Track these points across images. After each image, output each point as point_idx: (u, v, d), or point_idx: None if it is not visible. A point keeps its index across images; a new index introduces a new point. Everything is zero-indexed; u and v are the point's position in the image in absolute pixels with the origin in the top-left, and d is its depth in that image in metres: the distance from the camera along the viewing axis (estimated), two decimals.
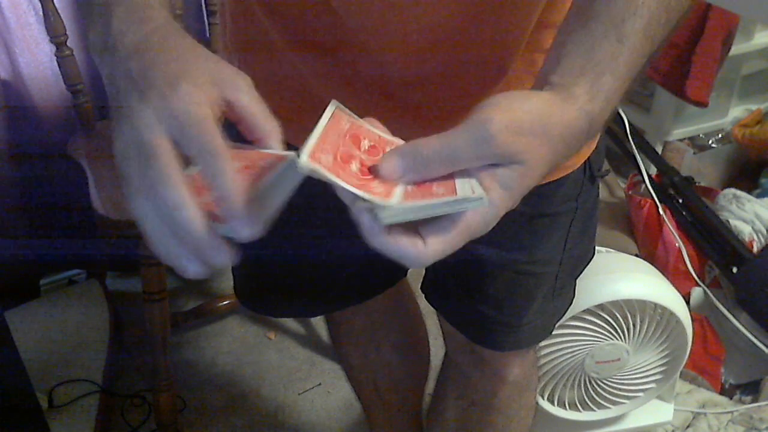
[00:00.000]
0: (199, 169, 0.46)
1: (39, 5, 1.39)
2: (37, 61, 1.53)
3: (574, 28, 0.54)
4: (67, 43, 1.42)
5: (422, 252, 0.47)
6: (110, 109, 0.51)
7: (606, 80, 0.51)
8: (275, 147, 0.49)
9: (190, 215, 0.45)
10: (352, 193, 0.47)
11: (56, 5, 1.39)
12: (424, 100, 0.72)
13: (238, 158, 0.49)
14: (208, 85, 0.48)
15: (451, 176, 0.49)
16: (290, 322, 1.82)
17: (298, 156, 0.46)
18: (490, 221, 0.49)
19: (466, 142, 0.48)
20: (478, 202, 0.47)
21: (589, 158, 0.81)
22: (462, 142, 0.48)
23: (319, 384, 1.67)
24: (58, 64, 1.43)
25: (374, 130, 0.53)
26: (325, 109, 0.51)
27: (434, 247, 0.48)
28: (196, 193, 0.46)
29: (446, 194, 0.47)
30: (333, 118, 0.51)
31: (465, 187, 0.48)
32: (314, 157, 0.47)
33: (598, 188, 0.87)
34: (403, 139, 0.58)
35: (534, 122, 0.48)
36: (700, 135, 2.09)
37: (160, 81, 0.47)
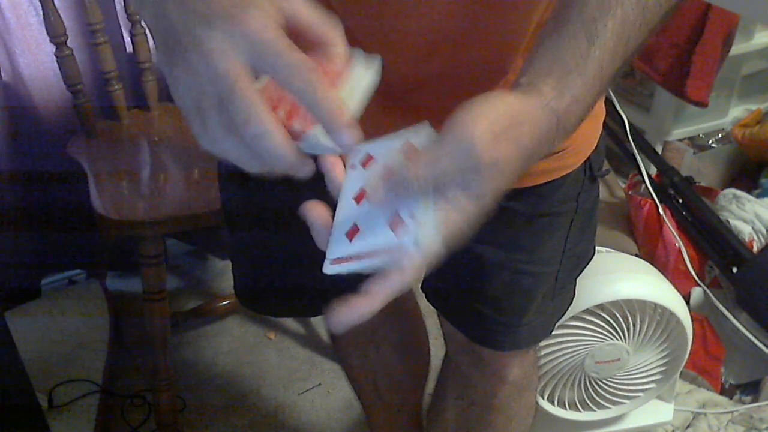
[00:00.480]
0: (266, 80, 0.46)
1: (39, 5, 1.39)
2: (37, 62, 1.53)
3: (547, 31, 0.54)
4: (67, 43, 1.43)
5: (401, 280, 0.49)
6: (163, 49, 0.48)
7: (573, 78, 0.51)
8: (340, 46, 0.49)
9: (278, 145, 0.45)
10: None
11: (56, 5, 1.39)
12: (424, 100, 0.72)
13: (280, 104, 0.49)
14: (269, 3, 0.47)
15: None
16: (290, 322, 1.82)
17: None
18: (464, 230, 0.49)
19: (450, 156, 0.47)
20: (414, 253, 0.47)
21: (589, 158, 0.81)
22: (446, 156, 0.47)
23: (319, 384, 1.67)
24: (58, 64, 1.44)
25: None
26: None
27: (410, 270, 0.48)
28: (273, 110, 0.46)
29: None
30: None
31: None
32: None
33: (599, 188, 0.87)
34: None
35: (506, 126, 0.48)
36: (700, 135, 2.09)
37: (224, 5, 0.45)
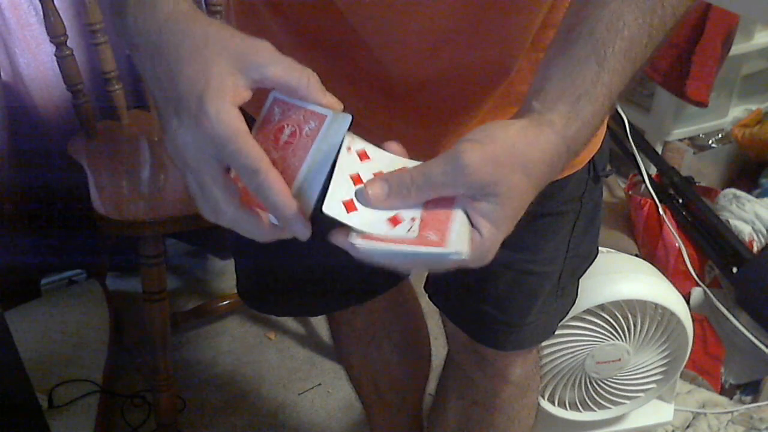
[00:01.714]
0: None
1: (39, 5, 1.39)
2: (37, 62, 1.53)
3: (556, 52, 0.55)
4: (67, 43, 1.42)
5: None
6: (155, 105, 0.54)
7: (583, 105, 0.52)
8: (316, 99, 0.52)
9: (251, 228, 0.52)
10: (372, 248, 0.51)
11: (56, 5, 1.39)
12: (428, 100, 0.72)
13: (288, 122, 0.52)
14: (231, 77, 0.50)
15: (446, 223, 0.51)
16: (290, 322, 1.81)
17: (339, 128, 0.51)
18: (485, 255, 0.53)
19: (441, 171, 0.50)
20: (456, 255, 0.50)
21: (593, 158, 0.81)
22: (437, 170, 0.50)
23: (319, 384, 1.67)
24: (58, 64, 1.43)
25: (378, 148, 0.55)
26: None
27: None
28: (243, 190, 0.51)
29: (422, 243, 0.50)
30: (342, 154, 0.52)
31: (454, 237, 0.50)
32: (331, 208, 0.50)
33: (602, 188, 0.87)
34: (404, 139, 0.58)
35: (509, 153, 0.50)
36: (700, 135, 2.09)
37: (186, 97, 0.49)
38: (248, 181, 0.50)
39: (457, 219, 0.51)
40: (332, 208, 0.50)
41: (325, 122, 0.51)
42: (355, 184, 0.52)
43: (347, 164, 0.52)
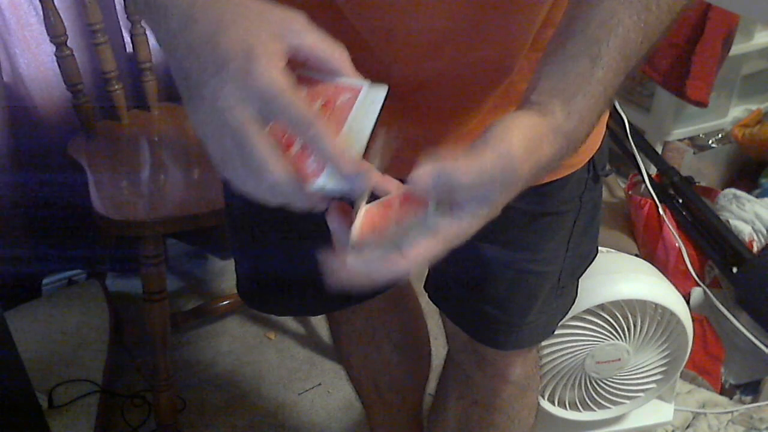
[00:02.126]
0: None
1: (39, 5, 1.39)
2: (37, 62, 1.53)
3: (552, 49, 0.55)
4: (67, 43, 1.42)
5: (403, 265, 0.49)
6: (181, 87, 0.52)
7: (578, 101, 0.53)
8: (348, 73, 0.52)
9: (292, 191, 0.49)
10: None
11: (56, 5, 1.39)
12: (428, 99, 0.72)
13: (316, 96, 0.52)
14: (273, 43, 0.49)
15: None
16: (290, 322, 1.82)
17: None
18: (468, 234, 0.51)
19: (496, 166, 0.49)
20: None
21: (593, 157, 0.81)
22: (491, 165, 0.49)
23: (319, 384, 1.67)
24: (58, 64, 1.43)
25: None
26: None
27: (413, 258, 0.50)
28: (284, 153, 0.49)
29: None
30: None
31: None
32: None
33: (602, 188, 0.87)
34: (404, 138, 0.58)
35: (537, 144, 0.51)
36: (700, 135, 2.09)
37: (231, 55, 0.49)
38: (303, 133, 0.49)
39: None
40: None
41: (361, 92, 0.51)
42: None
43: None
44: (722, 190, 1.82)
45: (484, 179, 0.48)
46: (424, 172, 0.49)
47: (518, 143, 0.49)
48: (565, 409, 1.37)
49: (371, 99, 0.51)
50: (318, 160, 0.50)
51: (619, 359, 1.29)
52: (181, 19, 0.51)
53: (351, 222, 0.52)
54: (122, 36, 1.60)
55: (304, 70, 0.53)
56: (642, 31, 0.54)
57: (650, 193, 1.82)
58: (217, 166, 0.51)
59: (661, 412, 1.48)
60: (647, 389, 1.37)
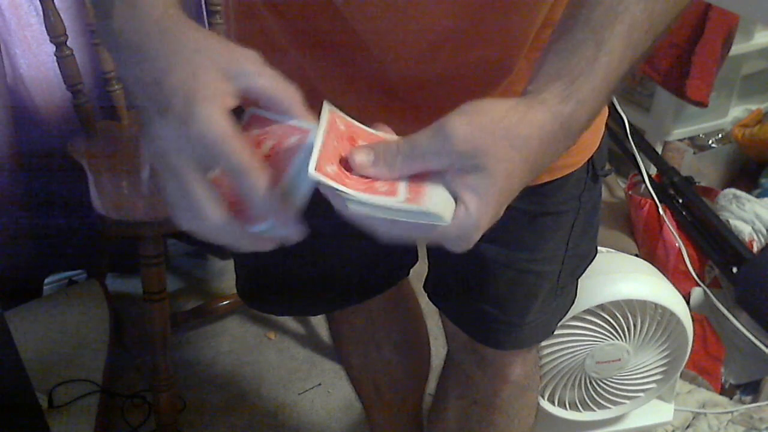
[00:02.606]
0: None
1: (40, 6, 1.39)
2: (38, 62, 1.53)
3: (556, 37, 0.54)
4: (67, 43, 1.42)
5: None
6: (137, 108, 0.53)
7: (580, 83, 0.51)
8: (298, 114, 0.52)
9: (234, 234, 0.50)
10: (357, 198, 0.49)
11: (56, 5, 1.39)
12: (427, 100, 0.72)
13: (267, 136, 0.52)
14: (220, 83, 0.49)
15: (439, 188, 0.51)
16: (290, 322, 1.81)
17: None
18: (471, 232, 0.51)
19: (427, 139, 0.50)
20: (438, 219, 0.49)
21: (592, 157, 0.81)
22: (423, 139, 0.50)
23: (319, 384, 1.67)
24: (59, 64, 1.43)
25: (367, 129, 0.54)
26: (319, 114, 0.52)
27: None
28: (223, 197, 0.50)
29: (413, 201, 0.49)
30: (330, 122, 0.52)
31: (436, 200, 0.50)
32: (320, 169, 0.48)
33: (601, 188, 0.87)
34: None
35: (497, 125, 0.49)
36: (700, 135, 2.10)
37: (173, 99, 0.49)
38: (239, 182, 0.49)
39: (436, 188, 0.50)
40: (320, 175, 0.50)
41: (309, 134, 0.51)
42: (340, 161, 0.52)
43: (333, 137, 0.52)
44: (722, 190, 1.82)
45: (416, 153, 0.50)
46: (363, 146, 0.51)
47: (458, 119, 0.49)
48: (565, 409, 1.37)
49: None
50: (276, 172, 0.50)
51: (619, 359, 1.29)
52: (132, 50, 0.52)
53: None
54: None
55: (257, 109, 0.53)
56: (648, 20, 0.53)
57: (650, 193, 1.82)
58: (166, 202, 0.52)
59: (661, 412, 1.48)
60: (647, 389, 1.37)
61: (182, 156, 0.49)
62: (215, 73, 0.49)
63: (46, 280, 1.79)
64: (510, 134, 0.50)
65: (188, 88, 0.48)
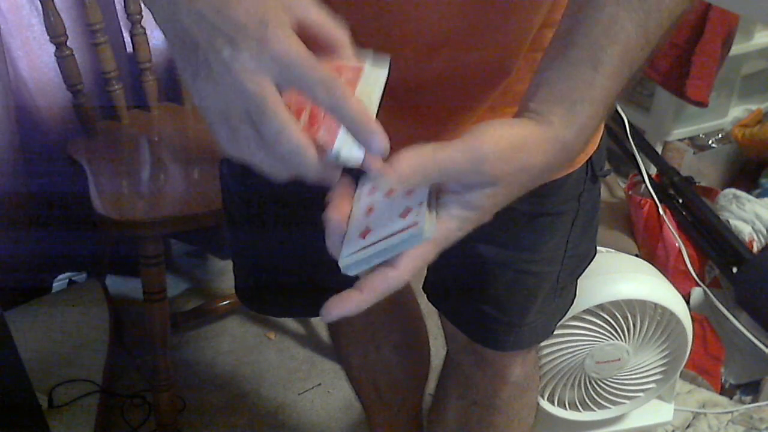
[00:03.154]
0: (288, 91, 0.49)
1: (40, 6, 1.39)
2: (40, 62, 1.53)
3: (554, 55, 0.54)
4: (67, 43, 1.43)
5: (397, 277, 0.50)
6: (181, 56, 0.50)
7: (580, 108, 0.52)
8: (349, 51, 0.51)
9: (310, 160, 0.48)
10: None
11: (56, 5, 1.39)
12: (426, 100, 0.72)
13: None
14: (284, 13, 0.49)
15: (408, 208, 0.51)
16: (290, 322, 1.82)
17: None
18: (454, 240, 0.52)
19: (464, 159, 0.49)
20: (418, 238, 0.49)
21: (591, 158, 0.81)
22: (459, 157, 0.49)
23: (319, 384, 1.67)
24: (59, 65, 1.44)
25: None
26: None
27: (406, 268, 0.50)
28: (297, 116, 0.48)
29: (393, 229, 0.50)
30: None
31: (430, 221, 0.50)
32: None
33: (600, 188, 0.87)
34: (402, 138, 0.57)
35: (515, 152, 0.50)
36: (700, 135, 2.10)
37: (246, 24, 0.47)
38: (325, 96, 0.47)
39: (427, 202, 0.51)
40: (348, 266, 0.50)
41: (364, 70, 0.51)
42: (368, 215, 0.52)
43: (363, 203, 0.52)
44: (722, 190, 1.82)
45: (450, 171, 0.49)
46: (401, 162, 0.49)
47: (491, 143, 0.49)
48: (565, 409, 1.37)
49: (374, 77, 0.51)
50: (328, 132, 0.49)
51: (619, 359, 1.29)
52: None
53: (346, 216, 0.52)
54: (122, 36, 1.60)
55: None
56: (643, 37, 0.53)
57: (650, 193, 1.82)
58: (222, 141, 0.50)
59: (661, 412, 1.48)
60: (647, 389, 1.37)
61: (262, 76, 0.47)
62: (277, 3, 0.49)
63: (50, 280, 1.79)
64: (527, 164, 0.51)
65: (259, 15, 0.48)
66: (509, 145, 0.50)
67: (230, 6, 0.48)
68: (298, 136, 0.47)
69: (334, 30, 0.51)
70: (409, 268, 0.50)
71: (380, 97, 0.51)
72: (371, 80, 0.51)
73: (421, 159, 0.49)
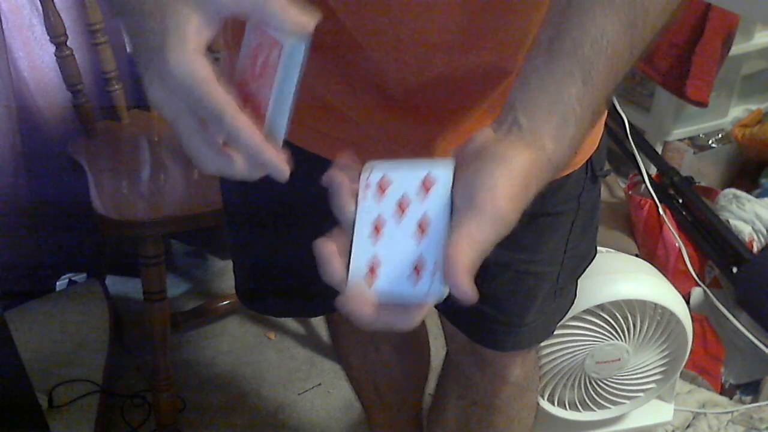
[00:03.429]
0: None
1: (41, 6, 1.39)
2: (41, 62, 1.53)
3: (539, 65, 0.53)
4: (67, 44, 1.43)
5: (407, 323, 0.50)
6: (139, 106, 0.54)
7: (569, 126, 0.51)
8: (272, 21, 0.49)
9: (237, 171, 0.51)
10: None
11: (56, 5, 1.39)
12: (425, 101, 0.72)
13: (262, 50, 0.51)
14: (190, 21, 0.48)
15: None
16: (290, 322, 1.82)
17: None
18: None
19: (492, 229, 0.48)
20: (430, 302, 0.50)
21: (591, 158, 0.81)
22: (489, 229, 0.48)
23: (319, 384, 1.67)
24: (59, 65, 1.44)
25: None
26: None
27: (418, 316, 0.51)
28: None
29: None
30: None
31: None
32: None
33: (600, 188, 0.87)
34: (400, 139, 0.57)
35: (525, 190, 0.49)
36: (700, 135, 2.10)
37: (152, 49, 0.48)
38: (217, 128, 0.49)
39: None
40: (356, 285, 0.49)
41: (282, 51, 0.49)
42: (377, 233, 0.50)
43: (368, 209, 0.51)
44: (722, 190, 1.82)
45: (484, 248, 0.48)
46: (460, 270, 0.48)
47: (507, 197, 0.48)
48: (565, 409, 1.37)
49: (292, 59, 0.49)
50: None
51: (619, 359, 1.29)
52: (120, 9, 0.52)
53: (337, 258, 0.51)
54: (122, 36, 1.60)
55: None
56: (628, 49, 0.53)
57: (650, 193, 1.82)
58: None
59: (661, 412, 1.48)
60: (647, 389, 1.37)
61: (171, 106, 0.49)
62: (184, 8, 0.48)
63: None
64: (529, 197, 0.50)
65: (160, 37, 0.48)
66: (518, 192, 0.49)
67: (145, 28, 0.49)
68: (216, 155, 0.50)
69: (253, 3, 0.48)
70: (421, 315, 0.51)
71: (298, 77, 0.50)
72: (290, 60, 0.49)
73: (472, 254, 0.48)
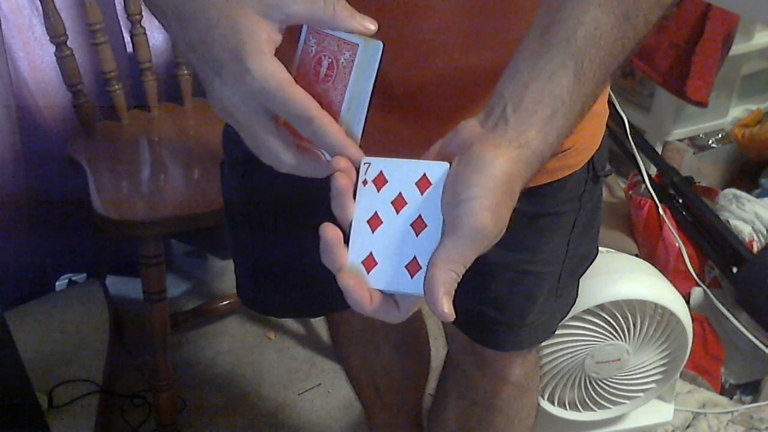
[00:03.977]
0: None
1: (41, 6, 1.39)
2: (41, 62, 1.53)
3: (531, 54, 0.53)
4: (67, 43, 1.43)
5: (399, 315, 0.54)
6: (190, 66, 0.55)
7: (558, 118, 0.51)
8: (344, 25, 0.51)
9: (313, 170, 0.53)
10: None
11: (56, 5, 1.39)
12: (425, 102, 0.72)
13: (325, 53, 0.53)
14: (260, 30, 0.50)
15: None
16: (290, 322, 1.82)
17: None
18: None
19: (475, 253, 0.50)
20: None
21: (592, 158, 0.81)
22: (472, 255, 0.50)
23: (319, 384, 1.67)
24: (59, 64, 1.44)
25: None
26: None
27: (407, 308, 0.54)
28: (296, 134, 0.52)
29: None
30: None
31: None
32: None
33: (602, 189, 0.87)
34: (400, 139, 0.57)
35: (506, 197, 0.50)
36: (700, 135, 2.10)
37: (223, 57, 0.50)
38: (302, 129, 0.51)
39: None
40: (352, 276, 0.51)
41: (357, 52, 0.52)
42: (373, 230, 0.52)
43: (365, 205, 0.52)
44: (722, 190, 1.82)
45: (462, 266, 0.50)
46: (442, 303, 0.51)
47: (487, 209, 0.48)
48: (565, 409, 1.37)
49: (368, 59, 0.52)
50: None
51: (619, 359, 1.29)
52: (176, 19, 0.52)
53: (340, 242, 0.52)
54: (122, 36, 1.60)
55: None
56: (620, 43, 0.52)
57: (650, 193, 1.82)
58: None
59: (661, 412, 1.48)
60: (647, 389, 1.37)
61: (246, 111, 0.50)
62: (253, 17, 0.50)
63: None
64: (512, 197, 0.50)
65: (234, 44, 0.49)
66: (500, 199, 0.49)
67: (211, 36, 0.50)
68: (290, 160, 0.52)
69: (323, 10, 0.51)
70: (412, 310, 0.54)
71: (375, 77, 0.52)
72: (366, 60, 0.52)
73: (451, 275, 0.50)
